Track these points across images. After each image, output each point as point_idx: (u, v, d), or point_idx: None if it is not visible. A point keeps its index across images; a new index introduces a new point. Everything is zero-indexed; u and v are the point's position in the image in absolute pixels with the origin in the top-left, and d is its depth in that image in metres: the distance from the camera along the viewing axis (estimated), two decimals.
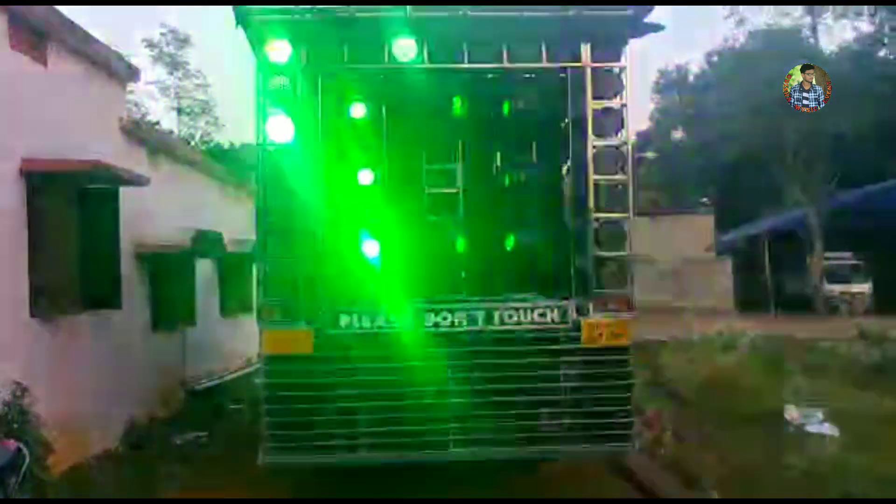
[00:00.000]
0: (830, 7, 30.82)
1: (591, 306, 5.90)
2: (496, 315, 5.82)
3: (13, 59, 6.99)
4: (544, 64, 5.98)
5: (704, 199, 37.91)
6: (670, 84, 46.16)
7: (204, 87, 35.37)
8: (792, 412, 9.01)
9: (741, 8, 31.96)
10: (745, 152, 30.46)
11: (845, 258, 28.26)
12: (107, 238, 8.25)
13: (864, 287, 27.30)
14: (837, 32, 54.49)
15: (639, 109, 46.14)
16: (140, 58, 30.41)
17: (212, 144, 33.61)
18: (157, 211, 9.71)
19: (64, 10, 7.74)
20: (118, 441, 8.47)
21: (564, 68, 6.07)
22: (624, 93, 5.97)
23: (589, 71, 5.93)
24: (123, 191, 8.36)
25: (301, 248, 5.76)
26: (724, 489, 6.50)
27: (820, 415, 8.85)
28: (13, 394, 6.34)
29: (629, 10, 5.88)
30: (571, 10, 5.80)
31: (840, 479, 6.51)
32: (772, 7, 31.00)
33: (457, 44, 5.95)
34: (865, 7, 31.20)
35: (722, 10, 32.72)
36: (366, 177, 7.37)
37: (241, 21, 5.78)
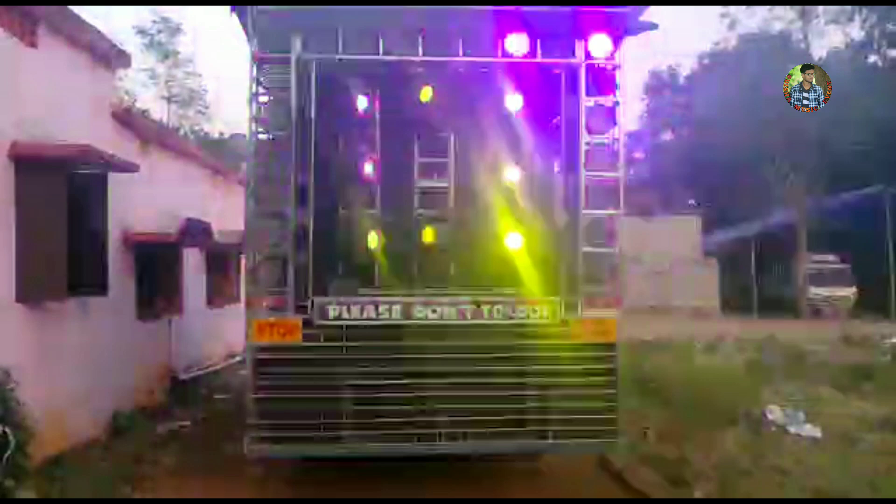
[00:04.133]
0: (821, 11, 30.98)
1: (579, 303, 5.93)
2: (485, 309, 5.84)
3: (3, 41, 6.90)
4: (539, 60, 6.00)
5: (691, 201, 38.09)
6: (661, 85, 46.33)
7: (195, 76, 35.20)
8: (775, 413, 9.09)
9: (734, 10, 32.12)
10: (733, 155, 30.65)
11: (830, 261, 28.50)
12: (95, 224, 8.18)
13: (848, 291, 27.54)
14: (828, 37, 55.02)
15: (629, 110, 46.33)
16: (131, 45, 30.14)
17: (202, 133, 33.44)
18: (145, 198, 9.65)
19: None
20: (102, 429, 8.42)
21: (559, 64, 6.09)
22: (617, 91, 6.00)
23: (583, 68, 5.96)
24: (112, 177, 8.30)
25: (290, 238, 5.75)
26: (707, 488, 6.54)
27: (802, 416, 8.94)
28: None
29: (625, 8, 5.92)
30: (567, 7, 5.83)
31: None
32: (764, 10, 31.16)
33: (452, 37, 5.96)
34: (856, 12, 31.44)
35: (715, 12, 32.86)
36: (357, 168, 7.36)
37: (235, 9, 5.76)
